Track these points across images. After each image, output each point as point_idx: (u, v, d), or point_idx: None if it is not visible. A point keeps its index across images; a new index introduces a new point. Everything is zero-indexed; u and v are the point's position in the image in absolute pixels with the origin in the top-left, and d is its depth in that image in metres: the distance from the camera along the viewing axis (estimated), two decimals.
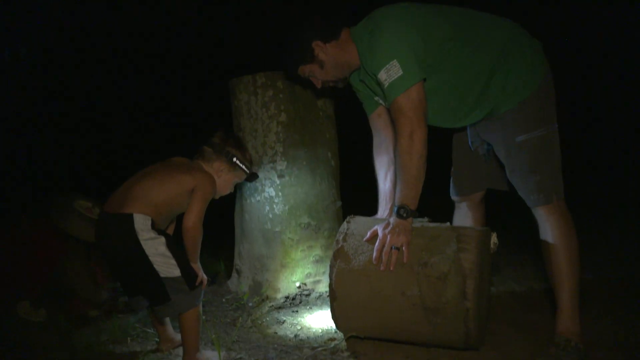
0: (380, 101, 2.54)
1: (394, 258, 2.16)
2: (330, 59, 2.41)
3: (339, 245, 2.33)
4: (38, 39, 8.68)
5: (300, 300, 3.18)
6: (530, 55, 2.31)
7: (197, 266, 2.37)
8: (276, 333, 2.73)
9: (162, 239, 2.24)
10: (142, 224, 2.22)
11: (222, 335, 2.66)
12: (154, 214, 2.27)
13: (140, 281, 2.28)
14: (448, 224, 2.37)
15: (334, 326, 2.69)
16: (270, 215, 3.25)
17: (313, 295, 3.22)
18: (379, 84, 2.27)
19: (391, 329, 2.24)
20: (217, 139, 2.59)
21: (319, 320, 2.87)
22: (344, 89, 2.71)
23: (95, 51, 9.10)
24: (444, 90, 2.34)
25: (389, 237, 2.19)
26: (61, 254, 3.16)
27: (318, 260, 3.28)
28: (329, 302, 2.61)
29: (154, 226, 2.25)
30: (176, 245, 2.31)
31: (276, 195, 3.22)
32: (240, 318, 2.94)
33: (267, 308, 3.11)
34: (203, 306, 2.41)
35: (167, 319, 2.56)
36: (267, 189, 3.24)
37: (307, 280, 3.26)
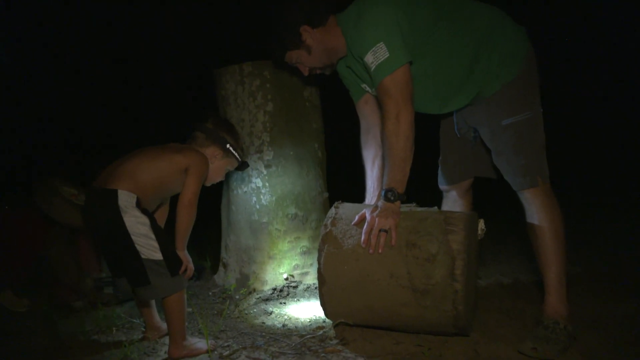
0: (367, 88, 2.54)
1: (383, 240, 2.16)
2: (318, 44, 2.40)
3: (328, 230, 2.32)
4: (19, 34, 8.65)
5: (287, 292, 3.15)
6: (513, 39, 2.33)
7: (184, 254, 2.35)
8: (264, 323, 2.70)
9: (146, 219, 2.22)
10: (126, 200, 2.19)
11: (209, 325, 2.63)
12: (140, 192, 2.24)
13: (121, 260, 2.26)
14: (436, 208, 2.37)
15: (322, 316, 2.69)
16: (257, 206, 3.23)
17: (301, 287, 3.20)
18: (366, 67, 2.27)
19: (380, 312, 2.22)
20: (211, 124, 2.58)
21: (306, 311, 2.85)
22: (331, 79, 2.71)
23: (80, 42, 9.07)
24: (428, 75, 2.35)
25: (377, 220, 2.18)
26: (45, 241, 3.12)
27: (305, 252, 3.27)
28: (316, 294, 2.60)
29: (139, 205, 2.22)
30: (161, 229, 2.29)
31: (263, 185, 3.21)
32: (227, 309, 2.92)
33: (254, 300, 3.08)
34: (189, 299, 2.39)
35: (154, 307, 2.53)
36: (254, 180, 3.22)
37: (295, 272, 3.25)
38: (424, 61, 2.31)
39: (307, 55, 2.44)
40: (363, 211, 2.28)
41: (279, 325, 2.65)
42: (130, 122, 9.12)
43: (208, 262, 3.95)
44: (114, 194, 2.19)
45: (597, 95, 10.54)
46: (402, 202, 2.25)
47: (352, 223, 2.29)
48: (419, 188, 2.81)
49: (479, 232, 2.39)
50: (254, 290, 3.21)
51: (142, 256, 2.19)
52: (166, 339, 2.44)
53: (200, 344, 2.33)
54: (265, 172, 3.21)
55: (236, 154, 2.59)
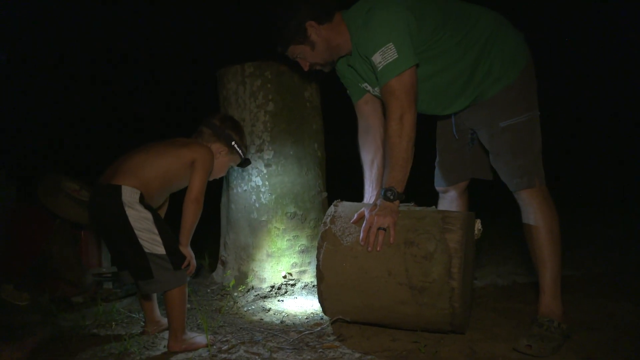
0: (368, 87, 2.56)
1: (381, 238, 2.18)
2: (323, 41, 2.41)
3: (327, 227, 2.35)
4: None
5: (285, 290, 3.18)
6: (513, 44, 2.38)
7: (188, 250, 2.38)
8: (262, 319, 2.73)
9: (149, 214, 2.25)
10: (129, 196, 2.23)
11: (208, 321, 2.66)
12: (144, 188, 2.28)
13: (125, 254, 2.29)
14: (434, 207, 2.40)
15: (319, 313, 2.72)
16: (257, 205, 3.26)
17: (299, 285, 3.23)
18: (372, 67, 2.30)
19: (378, 309, 2.26)
20: (217, 120, 2.61)
21: (304, 308, 2.88)
22: (332, 80, 2.73)
23: (83, 42, 9.09)
24: (432, 78, 2.38)
25: (375, 218, 2.21)
26: (46, 236, 3.14)
27: (304, 250, 3.30)
28: (314, 292, 2.62)
29: (142, 200, 2.25)
30: (165, 224, 2.32)
31: (263, 184, 3.24)
32: (226, 306, 2.95)
33: (252, 297, 3.11)
34: (188, 295, 2.41)
35: (155, 302, 2.56)
36: (254, 178, 3.25)
37: (293, 270, 3.28)
38: (429, 64, 2.34)
39: (310, 51, 2.45)
40: (362, 209, 2.31)
41: (277, 322, 2.67)
42: (131, 121, 9.15)
43: (206, 259, 3.98)
44: (118, 190, 2.23)
45: (596, 98, 10.58)
46: (401, 202, 2.29)
47: (351, 221, 2.32)
48: (416, 188, 2.83)
49: (476, 232, 2.43)
50: (253, 287, 3.24)
51: (146, 250, 2.22)
52: (165, 334, 2.46)
53: (200, 338, 2.36)
54: (265, 171, 3.24)
55: (240, 152, 2.63)
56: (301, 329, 2.52)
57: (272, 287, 3.20)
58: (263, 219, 3.25)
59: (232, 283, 3.27)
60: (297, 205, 3.28)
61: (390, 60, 2.20)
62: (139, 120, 9.24)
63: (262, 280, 3.26)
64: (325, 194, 3.44)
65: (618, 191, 7.50)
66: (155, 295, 2.56)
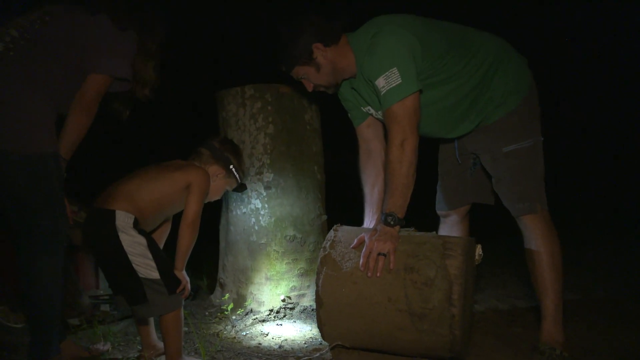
0: (371, 111, 2.55)
1: (381, 264, 2.16)
2: (328, 63, 2.41)
3: (326, 252, 2.33)
4: None
5: (284, 314, 3.15)
6: (516, 70, 2.39)
7: (183, 274, 2.36)
8: (260, 344, 2.70)
9: (143, 239, 2.24)
10: (123, 221, 2.22)
11: (205, 345, 2.63)
12: (138, 213, 2.26)
13: (119, 278, 2.28)
14: (434, 232, 2.39)
15: (318, 338, 2.69)
16: (256, 227, 3.24)
17: (297, 308, 3.20)
18: (376, 91, 2.30)
19: (378, 335, 2.23)
20: (217, 142, 2.61)
21: (303, 333, 2.85)
22: (332, 103, 2.73)
23: None
24: (436, 103, 2.39)
25: (375, 243, 2.19)
26: None
27: (303, 274, 3.28)
28: (313, 316, 2.59)
29: (136, 225, 2.24)
30: (159, 249, 2.30)
31: (262, 207, 3.23)
32: (224, 330, 2.92)
33: (250, 320, 3.08)
34: (185, 319, 2.39)
35: (152, 325, 2.53)
36: (253, 201, 3.24)
37: (292, 294, 3.25)
38: (432, 90, 2.34)
39: (315, 73, 2.45)
40: (362, 234, 2.29)
41: (276, 347, 2.64)
42: (130, 142, 9.13)
43: (204, 281, 3.95)
44: (112, 214, 2.21)
45: (599, 118, 10.58)
46: (401, 227, 2.27)
47: (351, 246, 2.30)
48: (417, 212, 2.82)
49: (477, 257, 2.41)
50: (251, 310, 3.21)
51: (140, 275, 2.20)
52: (162, 358, 2.43)
53: None
54: (264, 194, 3.23)
55: (237, 176, 2.62)
56: (300, 355, 2.49)
57: (271, 310, 3.17)
58: (262, 241, 3.24)
59: (230, 306, 3.24)
60: (297, 228, 3.27)
61: (393, 85, 2.20)
62: (138, 140, 9.23)
63: (261, 303, 3.23)
64: (325, 217, 3.43)
65: (620, 214, 7.49)
66: (152, 320, 2.54)
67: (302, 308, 3.21)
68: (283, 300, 3.23)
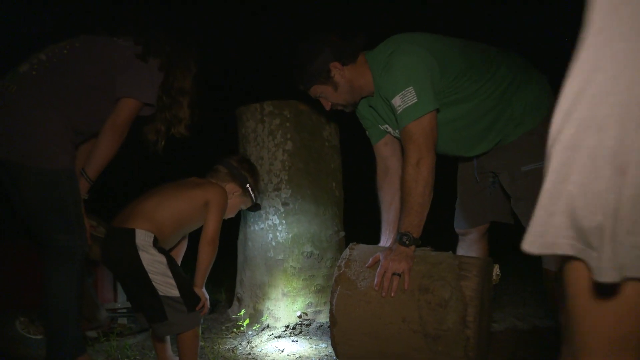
0: (389, 129, 2.55)
1: (395, 284, 2.15)
2: (346, 82, 2.41)
3: (341, 271, 2.33)
4: None
5: (300, 330, 3.15)
6: (537, 88, 2.36)
7: (203, 291, 2.37)
8: None
9: (163, 258, 2.25)
10: (143, 239, 2.23)
11: None
12: (157, 231, 2.28)
13: (139, 296, 2.29)
14: (450, 252, 2.37)
15: (334, 356, 2.67)
16: (274, 243, 3.25)
17: (314, 325, 3.20)
18: (392, 109, 2.29)
19: (391, 356, 2.21)
20: (235, 161, 2.63)
21: (319, 350, 2.85)
22: (350, 120, 2.73)
23: None
24: (454, 122, 2.37)
25: (390, 263, 2.18)
26: None
27: (320, 290, 3.27)
28: (329, 333, 2.58)
29: (156, 244, 2.26)
30: (178, 267, 2.32)
31: (280, 223, 3.24)
32: (240, 345, 2.92)
33: (266, 336, 3.08)
34: (202, 333, 2.40)
35: (168, 341, 2.54)
36: (271, 217, 3.25)
37: (308, 310, 3.25)
38: (450, 109, 2.33)
39: (332, 92, 2.45)
40: (377, 253, 2.28)
41: None
42: (150, 160, 9.20)
43: (223, 295, 3.96)
44: (132, 233, 2.24)
45: None
46: (417, 246, 2.26)
47: (366, 265, 2.29)
48: (433, 231, 2.81)
49: (494, 277, 2.38)
50: (267, 326, 3.21)
51: (160, 293, 2.22)
52: None
53: None
54: (282, 210, 3.24)
55: (253, 195, 2.63)
56: None
57: (287, 326, 3.17)
58: (279, 257, 3.24)
59: (246, 322, 3.24)
60: (314, 245, 3.27)
61: (409, 104, 2.19)
62: (156, 156, 9.32)
63: (277, 319, 3.23)
64: (342, 234, 3.42)
65: None
66: (168, 336, 2.55)
67: (318, 325, 3.20)
68: (299, 317, 3.22)
